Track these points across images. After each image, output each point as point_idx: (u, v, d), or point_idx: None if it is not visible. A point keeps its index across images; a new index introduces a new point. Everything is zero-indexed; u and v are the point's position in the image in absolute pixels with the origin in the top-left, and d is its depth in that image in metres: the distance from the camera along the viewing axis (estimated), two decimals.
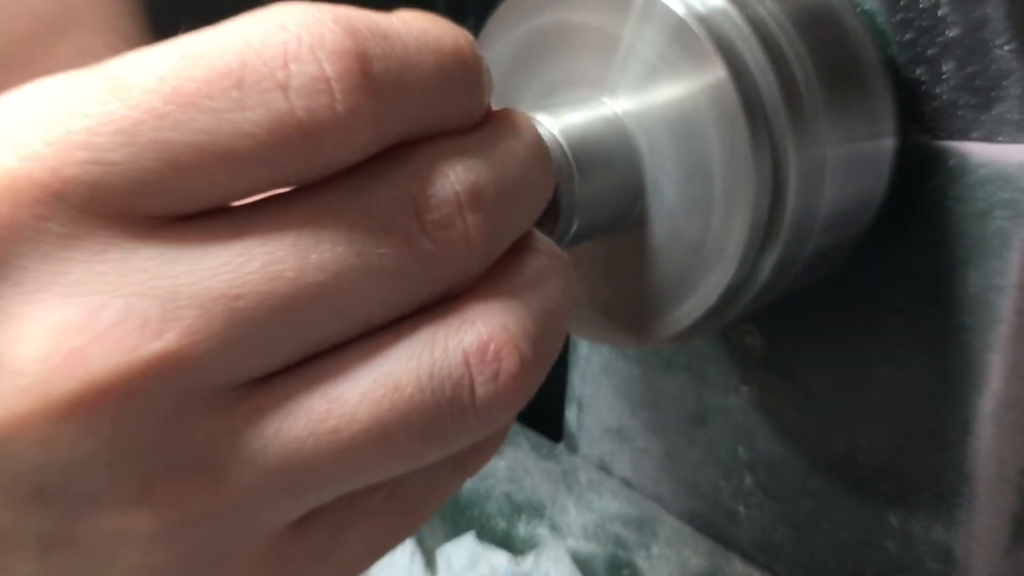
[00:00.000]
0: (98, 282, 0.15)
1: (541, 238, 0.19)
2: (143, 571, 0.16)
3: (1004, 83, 0.26)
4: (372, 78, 0.15)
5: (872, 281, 0.30)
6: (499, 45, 0.28)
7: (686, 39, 0.24)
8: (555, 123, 0.24)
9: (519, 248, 0.18)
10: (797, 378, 0.33)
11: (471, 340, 0.16)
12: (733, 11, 0.24)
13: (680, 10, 0.24)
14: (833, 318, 0.31)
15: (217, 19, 0.16)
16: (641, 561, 0.37)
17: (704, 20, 0.24)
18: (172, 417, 0.15)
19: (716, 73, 0.24)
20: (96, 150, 0.15)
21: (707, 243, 0.25)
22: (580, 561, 0.39)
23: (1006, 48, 0.26)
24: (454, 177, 0.16)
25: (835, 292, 0.31)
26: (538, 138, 0.19)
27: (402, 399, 0.16)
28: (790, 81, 0.25)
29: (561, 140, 0.24)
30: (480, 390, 0.16)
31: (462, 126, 0.18)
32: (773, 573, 0.35)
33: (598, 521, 0.39)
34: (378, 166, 0.16)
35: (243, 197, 0.16)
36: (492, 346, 0.16)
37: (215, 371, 0.15)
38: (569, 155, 0.24)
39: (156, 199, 0.15)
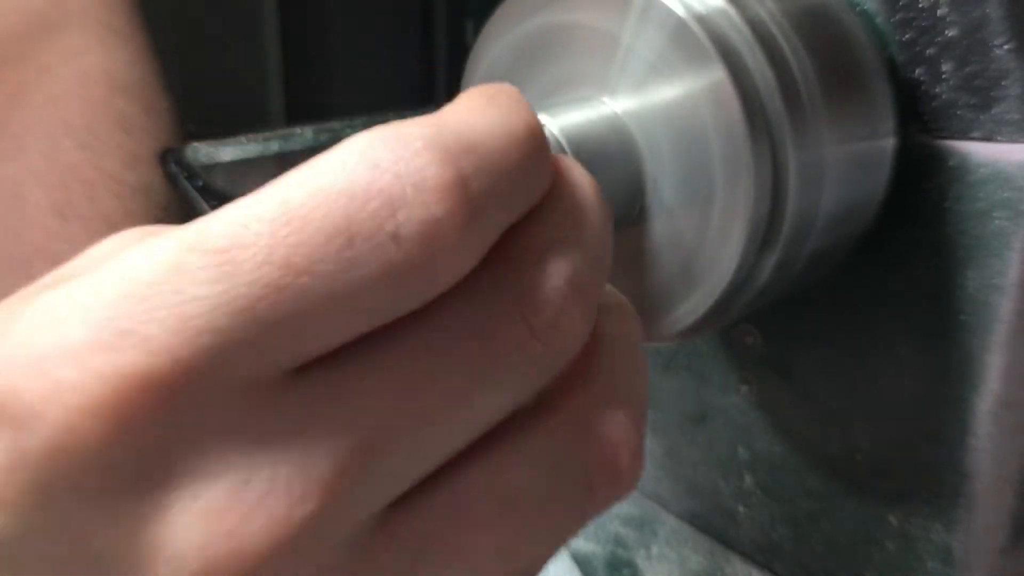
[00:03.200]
0: (240, 458, 0.15)
1: (611, 294, 0.20)
2: None
3: (1003, 83, 0.26)
4: (474, 202, 0.15)
5: (871, 281, 0.30)
6: (499, 45, 0.28)
7: (686, 39, 0.24)
8: (555, 123, 0.24)
9: (601, 320, 0.19)
10: (796, 378, 0.33)
11: (593, 453, 0.17)
12: (732, 11, 0.24)
13: (680, 10, 0.24)
14: (833, 318, 0.31)
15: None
16: (641, 560, 0.37)
17: (703, 20, 0.24)
18: (326, 565, 0.15)
19: (715, 73, 0.24)
20: (221, 333, 0.14)
21: (706, 243, 0.25)
22: (580, 560, 0.39)
23: (1005, 48, 0.26)
24: (554, 272, 0.17)
25: (835, 292, 0.31)
26: (595, 192, 0.19)
27: (526, 518, 0.16)
28: (789, 81, 0.25)
29: (561, 140, 0.24)
30: (600, 494, 0.17)
31: (538, 200, 0.18)
32: (773, 572, 0.35)
33: (598, 520, 0.39)
34: (482, 275, 0.16)
35: (361, 334, 0.16)
36: (611, 454, 0.17)
37: (357, 513, 0.15)
38: (569, 155, 0.24)
39: (282, 361, 0.15)
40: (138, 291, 0.15)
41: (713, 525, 0.37)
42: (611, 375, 0.18)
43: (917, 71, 0.28)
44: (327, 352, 0.15)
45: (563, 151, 0.24)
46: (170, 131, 0.46)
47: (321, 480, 0.15)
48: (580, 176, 0.19)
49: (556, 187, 0.18)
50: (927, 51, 0.28)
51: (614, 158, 0.25)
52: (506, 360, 0.16)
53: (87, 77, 0.45)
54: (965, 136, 0.27)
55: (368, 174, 0.15)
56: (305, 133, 0.54)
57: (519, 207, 0.17)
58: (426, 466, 0.16)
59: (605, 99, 0.26)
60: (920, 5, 0.27)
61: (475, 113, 0.17)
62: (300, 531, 0.15)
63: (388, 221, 0.15)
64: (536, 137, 0.17)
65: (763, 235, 0.25)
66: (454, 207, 0.15)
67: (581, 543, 0.39)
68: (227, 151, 0.47)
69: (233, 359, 0.15)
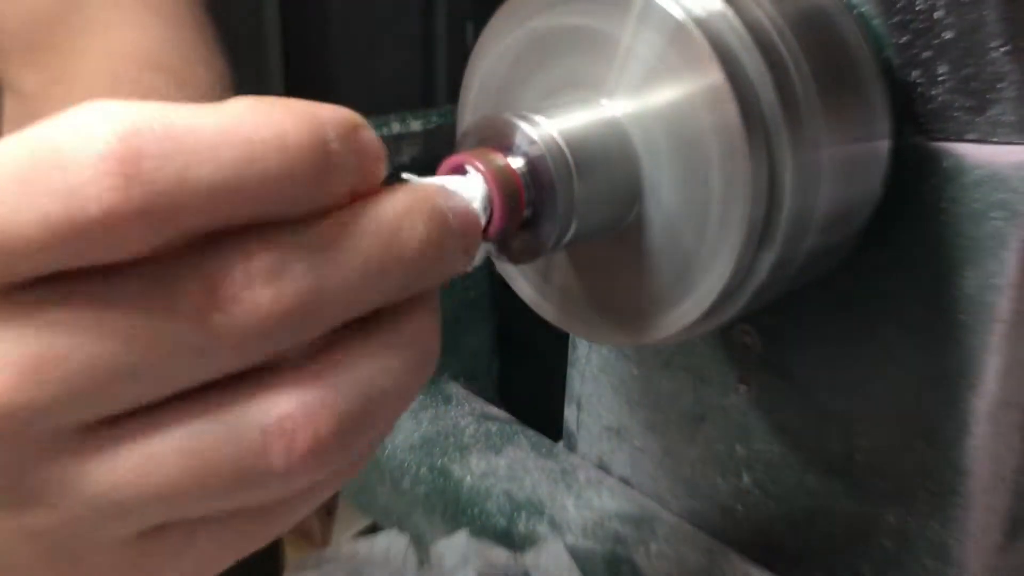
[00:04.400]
0: None
1: (422, 308, 0.20)
2: (11, 560, 0.19)
3: (999, 85, 0.27)
4: (137, 178, 0.16)
5: (869, 281, 0.30)
6: (499, 47, 0.28)
7: (684, 42, 0.24)
8: (554, 125, 0.24)
9: (364, 329, 0.19)
10: (795, 377, 0.33)
11: (271, 414, 0.18)
12: (730, 14, 0.25)
13: (678, 13, 0.24)
14: (830, 318, 0.32)
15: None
16: (640, 559, 0.37)
17: (702, 23, 0.24)
18: (7, 459, 0.17)
19: (713, 76, 0.24)
20: None
21: (704, 244, 0.25)
22: (579, 558, 0.39)
23: (1001, 51, 0.26)
24: (254, 258, 0.17)
25: (832, 292, 0.31)
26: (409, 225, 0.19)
27: (203, 460, 0.18)
28: (787, 84, 0.25)
29: (560, 141, 0.24)
30: (274, 460, 0.18)
31: (297, 217, 0.18)
32: (771, 570, 0.35)
33: (597, 519, 0.40)
34: (185, 256, 0.17)
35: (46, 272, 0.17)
36: (288, 423, 0.18)
37: (41, 423, 0.17)
38: (568, 157, 0.24)
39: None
40: None
41: (712, 523, 0.37)
42: (337, 371, 0.19)
43: (913, 73, 0.28)
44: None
45: (563, 153, 0.24)
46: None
47: (7, 383, 0.16)
48: (390, 212, 0.19)
49: (348, 212, 0.19)
50: (923, 53, 0.28)
51: (612, 160, 0.26)
52: (185, 319, 0.17)
53: (118, 56, 0.45)
54: (961, 138, 0.28)
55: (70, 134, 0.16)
56: None
57: (240, 209, 0.17)
58: (116, 405, 0.17)
59: (604, 101, 0.26)
60: (917, 8, 0.28)
61: (230, 112, 0.17)
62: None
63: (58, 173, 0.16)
64: (295, 153, 0.18)
65: (760, 235, 0.25)
66: (106, 173, 0.16)
67: (580, 541, 0.39)
68: None
69: None
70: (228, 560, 0.21)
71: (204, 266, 0.17)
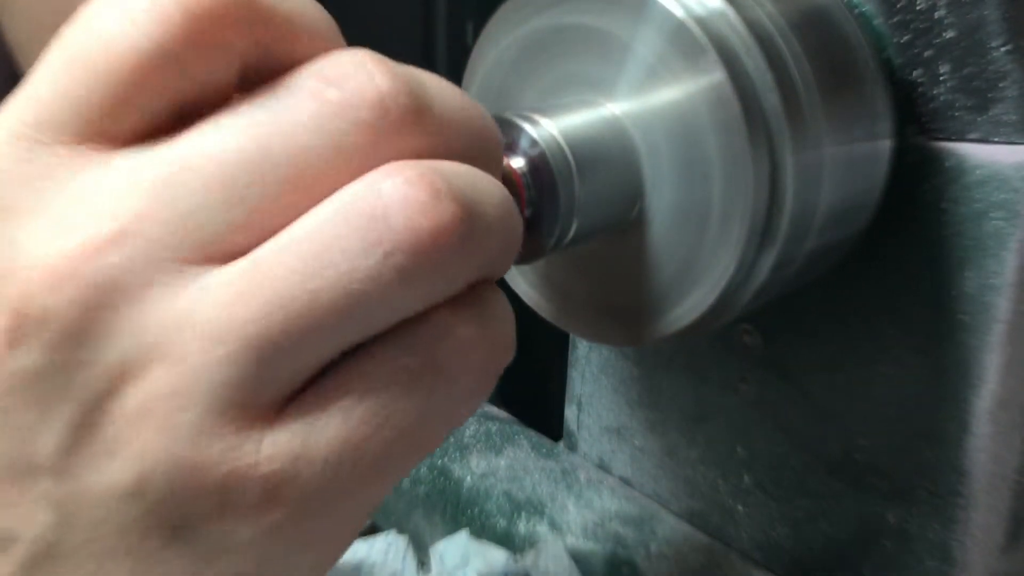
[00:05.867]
0: (73, 195, 0.17)
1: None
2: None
3: (1001, 84, 0.27)
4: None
5: (869, 281, 0.30)
6: (499, 46, 0.28)
7: (685, 41, 0.24)
8: (555, 124, 0.24)
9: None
10: (795, 377, 0.33)
11: (382, 185, 0.17)
12: (731, 13, 0.25)
13: (679, 12, 0.24)
14: (831, 318, 0.32)
15: None
16: (640, 559, 0.37)
17: (703, 22, 0.24)
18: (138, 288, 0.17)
19: (714, 75, 0.24)
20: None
21: (705, 243, 0.25)
22: (579, 559, 0.39)
23: (1003, 50, 0.26)
24: (347, 55, 0.18)
25: (833, 292, 0.31)
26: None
27: (319, 244, 0.17)
28: (788, 83, 0.25)
29: (561, 141, 0.24)
30: (396, 221, 0.17)
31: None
32: (771, 571, 0.35)
33: (597, 519, 0.39)
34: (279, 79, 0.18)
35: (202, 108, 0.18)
36: (401, 186, 0.17)
37: (167, 242, 0.17)
38: (569, 156, 0.24)
39: (110, 121, 0.17)
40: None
41: (712, 524, 0.37)
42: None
43: (915, 73, 0.28)
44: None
45: (563, 152, 0.24)
46: None
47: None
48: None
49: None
50: (925, 53, 0.28)
51: (613, 159, 0.26)
52: (305, 116, 0.17)
53: None
54: (962, 137, 0.28)
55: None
56: None
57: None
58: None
59: (604, 101, 0.26)
60: (918, 7, 0.28)
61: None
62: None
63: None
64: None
65: (761, 235, 0.25)
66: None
67: (581, 541, 0.39)
68: None
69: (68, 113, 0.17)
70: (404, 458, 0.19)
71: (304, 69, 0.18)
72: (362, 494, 0.18)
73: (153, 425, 0.16)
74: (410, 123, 0.18)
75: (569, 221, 0.24)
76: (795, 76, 0.25)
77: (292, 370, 0.17)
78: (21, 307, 0.16)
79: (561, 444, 0.44)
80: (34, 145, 0.17)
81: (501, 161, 0.21)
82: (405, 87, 0.18)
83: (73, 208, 0.17)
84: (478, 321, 0.19)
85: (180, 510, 0.17)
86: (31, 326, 0.16)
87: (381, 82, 0.17)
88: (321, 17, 0.19)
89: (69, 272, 0.16)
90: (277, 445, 0.17)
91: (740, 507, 0.36)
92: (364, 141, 0.17)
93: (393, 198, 0.17)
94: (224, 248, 0.17)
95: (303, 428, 0.17)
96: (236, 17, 0.17)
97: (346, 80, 0.17)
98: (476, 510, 0.43)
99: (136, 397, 0.16)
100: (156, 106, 0.17)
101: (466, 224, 0.17)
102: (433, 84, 0.19)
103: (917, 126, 0.28)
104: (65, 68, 0.17)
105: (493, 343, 0.19)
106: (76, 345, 0.16)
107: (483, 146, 0.20)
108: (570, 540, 0.39)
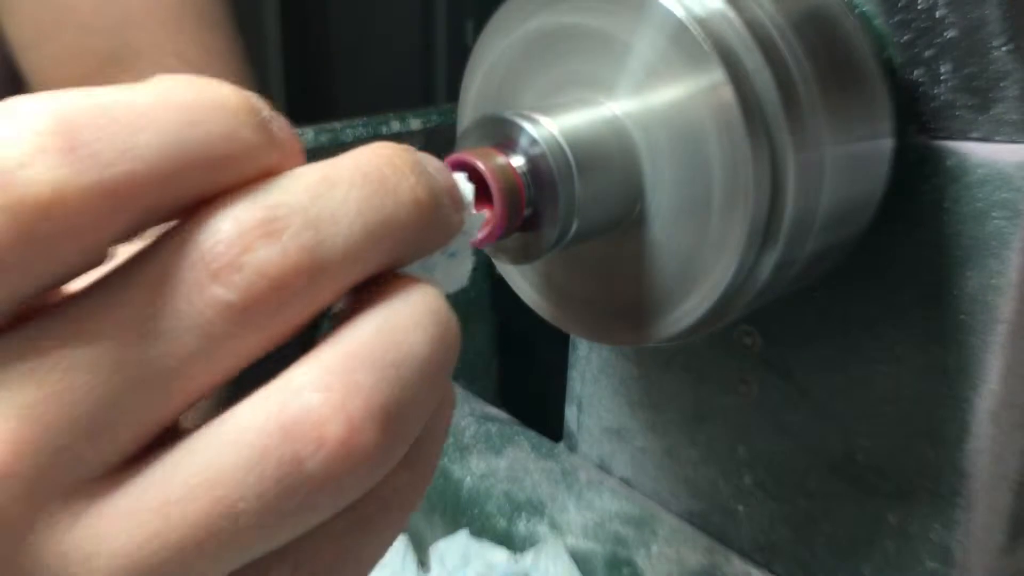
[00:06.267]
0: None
1: (411, 281, 0.18)
2: None
3: (1002, 84, 0.26)
4: (78, 151, 0.14)
5: (870, 281, 0.30)
6: (500, 46, 0.28)
7: (685, 41, 0.24)
8: (555, 124, 0.24)
9: (379, 290, 0.17)
10: (796, 378, 0.33)
11: (288, 410, 0.16)
12: (732, 13, 0.25)
13: (679, 12, 0.24)
14: (831, 318, 0.32)
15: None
16: (640, 560, 0.37)
17: (703, 22, 0.24)
18: (18, 524, 0.15)
19: (715, 75, 0.24)
20: None
21: (706, 244, 0.25)
22: (579, 559, 0.39)
23: (1004, 49, 0.26)
24: (239, 214, 0.16)
25: (833, 292, 0.31)
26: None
27: (224, 485, 0.15)
28: (788, 83, 0.25)
29: (561, 141, 0.24)
30: (309, 464, 0.16)
31: (258, 177, 0.17)
32: (772, 572, 0.35)
33: (598, 520, 0.39)
34: (163, 240, 0.16)
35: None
36: (312, 415, 0.16)
37: (53, 472, 0.15)
38: (569, 156, 0.24)
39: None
40: None
41: (713, 524, 0.37)
42: (361, 345, 0.17)
43: (916, 72, 0.28)
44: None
45: (563, 152, 0.24)
46: None
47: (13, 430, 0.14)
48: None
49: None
50: (926, 52, 0.28)
51: (613, 159, 0.25)
52: (186, 309, 0.15)
53: None
54: (964, 137, 0.28)
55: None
56: (306, 134, 0.54)
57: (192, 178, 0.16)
58: (128, 437, 0.15)
59: (605, 100, 0.26)
60: (919, 6, 0.28)
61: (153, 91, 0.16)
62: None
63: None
64: (216, 111, 0.16)
65: (762, 235, 0.25)
66: (49, 148, 0.14)
67: (581, 542, 0.39)
68: None
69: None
70: None
71: (188, 242, 0.15)
72: None
73: None
74: (297, 291, 0.16)
75: (569, 221, 0.24)
76: (796, 76, 0.25)
77: None
78: None
79: (561, 445, 0.44)
80: None
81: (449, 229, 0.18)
82: (298, 250, 0.16)
83: None
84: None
85: None
86: None
87: (271, 263, 0.15)
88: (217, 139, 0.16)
89: None
90: None
91: (740, 507, 0.36)
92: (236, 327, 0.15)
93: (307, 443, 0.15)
94: (106, 465, 0.15)
95: None
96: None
97: (234, 273, 0.15)
98: (476, 510, 0.43)
99: None
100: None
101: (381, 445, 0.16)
102: (331, 218, 0.16)
103: (918, 125, 0.28)
104: None
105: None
106: None
107: (417, 239, 0.18)
108: (570, 540, 0.39)
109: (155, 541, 0.15)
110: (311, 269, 0.16)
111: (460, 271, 0.22)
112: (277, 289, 0.15)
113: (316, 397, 0.16)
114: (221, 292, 0.15)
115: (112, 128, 0.15)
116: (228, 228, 0.15)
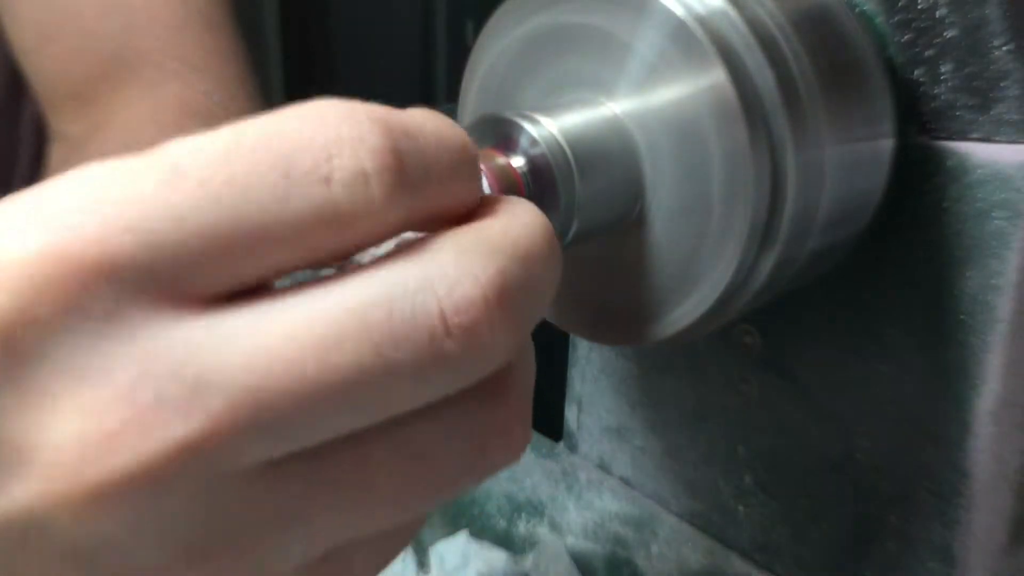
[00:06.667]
0: (134, 364, 0.15)
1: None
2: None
3: (1003, 84, 0.26)
4: (404, 173, 0.17)
5: (870, 281, 0.30)
6: (499, 46, 0.28)
7: (685, 40, 0.24)
8: (555, 123, 0.24)
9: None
10: (796, 377, 0.33)
11: (489, 421, 0.18)
12: (732, 12, 0.25)
13: (679, 11, 0.24)
14: (832, 317, 0.31)
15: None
16: (640, 560, 0.37)
17: (703, 21, 0.24)
18: (204, 495, 0.16)
19: (715, 74, 0.24)
20: (147, 233, 0.15)
21: (706, 243, 0.25)
22: (579, 560, 0.39)
23: (1004, 49, 0.26)
24: (480, 273, 0.17)
25: (834, 291, 0.31)
26: (542, 219, 0.20)
27: (424, 471, 0.17)
28: (789, 82, 0.25)
29: (561, 140, 0.24)
30: (492, 458, 0.18)
31: (464, 210, 0.19)
32: (772, 572, 0.35)
33: (598, 520, 0.39)
34: (404, 259, 0.17)
35: (280, 274, 0.17)
36: (504, 423, 0.18)
37: (240, 453, 0.16)
38: (569, 155, 0.24)
39: (200, 279, 0.16)
40: (89, 188, 0.16)
41: (713, 524, 0.37)
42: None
43: (916, 72, 0.28)
44: (249, 285, 0.17)
45: (563, 152, 0.24)
46: None
47: (206, 410, 0.15)
48: (526, 208, 0.20)
49: (496, 206, 0.19)
50: (926, 52, 0.28)
51: (614, 159, 0.25)
52: (414, 346, 0.16)
53: (160, 105, 0.48)
54: (964, 137, 0.27)
55: (317, 125, 0.17)
56: None
57: (444, 200, 0.18)
58: (320, 434, 0.16)
59: (605, 100, 0.26)
60: (919, 6, 0.28)
61: (420, 117, 0.18)
62: (176, 452, 0.15)
63: (323, 165, 0.16)
64: (467, 155, 0.19)
65: (762, 235, 0.25)
66: (384, 167, 0.17)
67: (581, 542, 0.39)
68: None
69: (154, 261, 0.15)
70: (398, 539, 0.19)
71: (432, 279, 0.17)
72: None
73: None
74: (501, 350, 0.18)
75: (569, 221, 0.24)
76: (796, 75, 0.25)
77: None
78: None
79: (561, 444, 0.44)
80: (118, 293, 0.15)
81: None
82: (520, 324, 0.18)
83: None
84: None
85: None
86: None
87: (502, 344, 0.17)
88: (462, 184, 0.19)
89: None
90: None
91: (741, 507, 0.36)
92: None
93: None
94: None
95: None
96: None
97: (468, 337, 0.17)
98: (476, 511, 0.43)
99: None
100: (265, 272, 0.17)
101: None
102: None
103: (918, 125, 0.28)
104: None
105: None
106: None
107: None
108: (570, 540, 0.39)
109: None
110: (520, 328, 0.18)
111: None
112: (493, 358, 0.17)
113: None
114: (449, 345, 0.17)
115: (423, 153, 0.18)
116: (470, 289, 0.17)
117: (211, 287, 0.16)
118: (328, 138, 0.17)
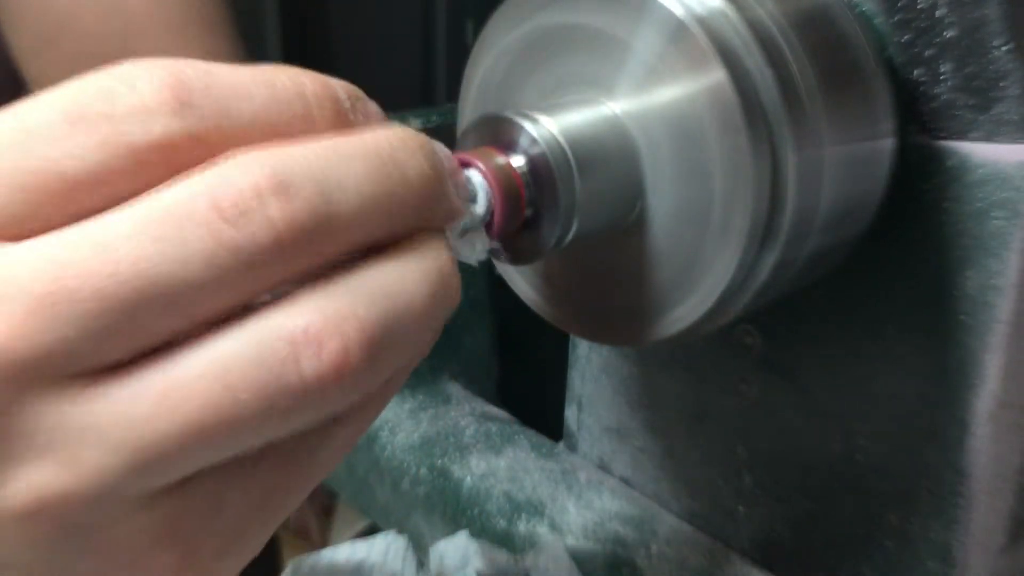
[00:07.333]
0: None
1: (429, 237, 0.20)
2: (27, 551, 0.18)
3: (1002, 83, 0.26)
4: (190, 107, 0.18)
5: (870, 281, 0.30)
6: (500, 45, 0.28)
7: (685, 40, 0.24)
8: (555, 124, 0.24)
9: (377, 253, 0.20)
10: (796, 377, 0.33)
11: (298, 324, 0.18)
12: (732, 12, 0.25)
13: (679, 11, 0.24)
14: (832, 318, 0.31)
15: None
16: (640, 560, 0.37)
17: (703, 21, 0.24)
18: (9, 407, 0.17)
19: (715, 74, 0.24)
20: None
21: (706, 243, 0.25)
22: (579, 560, 0.39)
23: (1004, 49, 0.26)
24: (255, 166, 0.18)
25: (834, 292, 0.31)
26: (406, 142, 0.20)
27: (231, 377, 0.17)
28: (789, 82, 0.25)
29: (561, 140, 0.24)
30: (305, 368, 0.18)
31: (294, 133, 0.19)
32: (772, 572, 0.35)
33: (598, 520, 0.39)
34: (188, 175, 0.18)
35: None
36: (314, 330, 0.18)
37: (48, 362, 0.17)
38: (569, 155, 0.24)
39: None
40: None
41: (713, 524, 0.37)
42: (359, 283, 0.19)
43: (916, 72, 0.28)
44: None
45: (564, 152, 0.24)
46: None
47: (5, 318, 0.16)
48: (391, 133, 0.20)
49: (349, 132, 0.20)
50: (926, 52, 0.28)
51: (613, 159, 0.25)
52: (195, 238, 0.17)
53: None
54: (964, 136, 0.27)
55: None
56: None
57: (236, 118, 0.19)
58: (133, 340, 0.17)
59: (605, 100, 0.26)
60: (919, 6, 0.28)
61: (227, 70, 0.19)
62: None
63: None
64: (282, 78, 0.19)
65: (762, 235, 0.25)
66: (163, 89, 0.18)
67: (581, 542, 0.39)
68: None
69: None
70: (260, 527, 0.20)
71: (207, 179, 0.18)
72: None
73: None
74: (304, 244, 0.18)
75: (569, 221, 0.24)
76: (796, 75, 0.25)
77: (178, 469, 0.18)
78: None
79: (561, 444, 0.44)
80: None
81: (452, 202, 0.21)
82: (305, 208, 0.18)
83: None
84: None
85: None
86: None
87: (278, 217, 0.18)
88: (283, 110, 0.19)
89: None
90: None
91: (741, 507, 0.36)
92: (256, 268, 0.18)
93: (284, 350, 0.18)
94: (105, 363, 0.17)
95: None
96: (188, 158, 0.18)
97: (242, 217, 0.17)
98: (476, 511, 0.43)
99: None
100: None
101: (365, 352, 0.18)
102: (339, 179, 0.19)
103: (918, 125, 0.28)
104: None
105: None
106: None
107: (422, 210, 0.20)
108: (570, 541, 0.39)
109: (157, 421, 0.17)
110: (315, 227, 0.18)
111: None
112: (279, 239, 0.17)
113: (319, 317, 0.18)
114: (227, 230, 0.17)
115: (218, 93, 0.18)
116: (241, 175, 0.18)
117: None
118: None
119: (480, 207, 0.23)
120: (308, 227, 0.18)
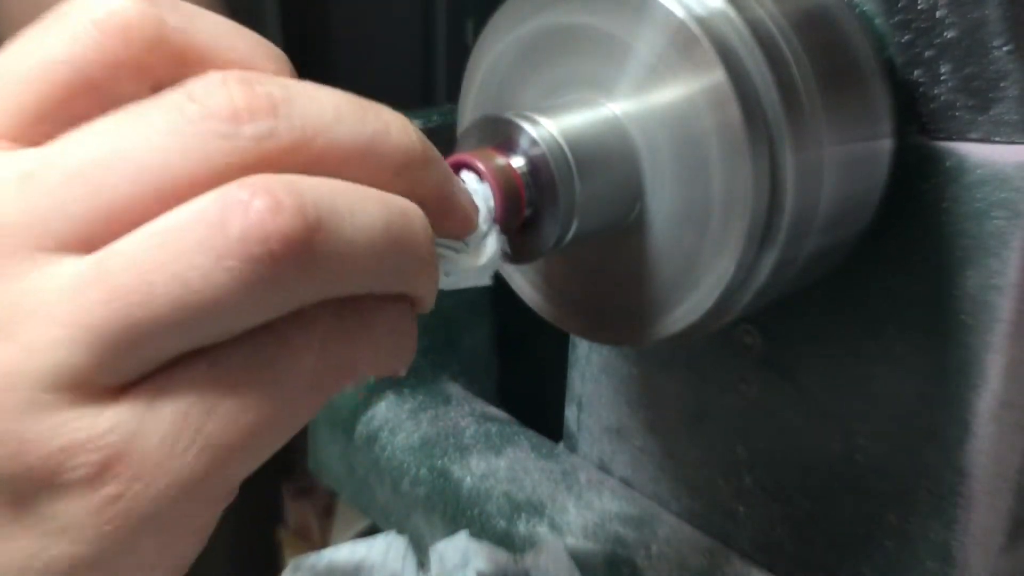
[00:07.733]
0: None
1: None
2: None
3: (1002, 84, 0.26)
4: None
5: (870, 281, 0.30)
6: (500, 46, 0.28)
7: (685, 41, 0.24)
8: (555, 125, 0.24)
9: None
10: (796, 377, 0.33)
11: (227, 189, 0.18)
12: (732, 13, 0.25)
13: (679, 12, 0.24)
14: (832, 318, 0.32)
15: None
16: (640, 560, 0.37)
17: (703, 22, 0.24)
18: None
19: (715, 75, 0.24)
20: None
21: (706, 244, 0.25)
22: (579, 560, 0.39)
23: (1004, 49, 0.26)
24: (227, 76, 0.19)
25: (834, 292, 0.31)
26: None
27: (168, 247, 0.18)
28: (788, 83, 0.25)
29: (561, 141, 0.24)
30: (233, 223, 0.17)
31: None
32: (772, 572, 0.35)
33: (598, 520, 0.39)
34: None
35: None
36: (245, 189, 0.18)
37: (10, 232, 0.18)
38: (569, 156, 0.24)
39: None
40: None
41: (713, 524, 0.37)
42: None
43: (916, 72, 0.28)
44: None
45: (563, 152, 0.24)
46: None
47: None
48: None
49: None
50: (926, 52, 0.28)
51: (613, 159, 0.25)
52: (164, 122, 0.18)
53: None
54: (963, 137, 0.27)
55: None
56: None
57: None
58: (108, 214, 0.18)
59: (605, 101, 0.26)
60: (919, 7, 0.28)
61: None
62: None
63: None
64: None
65: (762, 235, 0.25)
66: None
67: (581, 542, 0.39)
68: None
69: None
70: (238, 437, 0.19)
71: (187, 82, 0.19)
72: (204, 479, 0.19)
73: None
74: (265, 136, 0.18)
75: (569, 221, 0.24)
76: (796, 76, 0.25)
77: (135, 357, 0.18)
78: None
79: (561, 445, 0.44)
80: None
81: (397, 161, 0.21)
82: (266, 103, 0.19)
83: None
84: (325, 339, 0.20)
85: (11, 485, 0.18)
86: None
87: (239, 97, 0.18)
88: (239, 42, 0.20)
89: None
90: (112, 421, 0.18)
91: (740, 508, 0.36)
92: (218, 152, 0.18)
93: (235, 208, 0.17)
94: (78, 240, 0.18)
95: (141, 408, 0.18)
96: (148, 41, 0.19)
97: (207, 96, 0.18)
98: (476, 511, 0.43)
99: None
100: (63, 118, 0.19)
101: (304, 243, 0.18)
102: (307, 99, 0.19)
103: (918, 125, 0.28)
104: None
105: (331, 364, 0.20)
106: None
107: (366, 152, 0.20)
108: (570, 541, 0.39)
109: (110, 299, 0.17)
110: (271, 106, 0.19)
111: (477, 264, 0.23)
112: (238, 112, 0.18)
113: (259, 181, 0.18)
114: (191, 107, 0.18)
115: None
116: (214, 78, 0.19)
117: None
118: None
119: (479, 203, 0.23)
120: (267, 106, 0.19)
